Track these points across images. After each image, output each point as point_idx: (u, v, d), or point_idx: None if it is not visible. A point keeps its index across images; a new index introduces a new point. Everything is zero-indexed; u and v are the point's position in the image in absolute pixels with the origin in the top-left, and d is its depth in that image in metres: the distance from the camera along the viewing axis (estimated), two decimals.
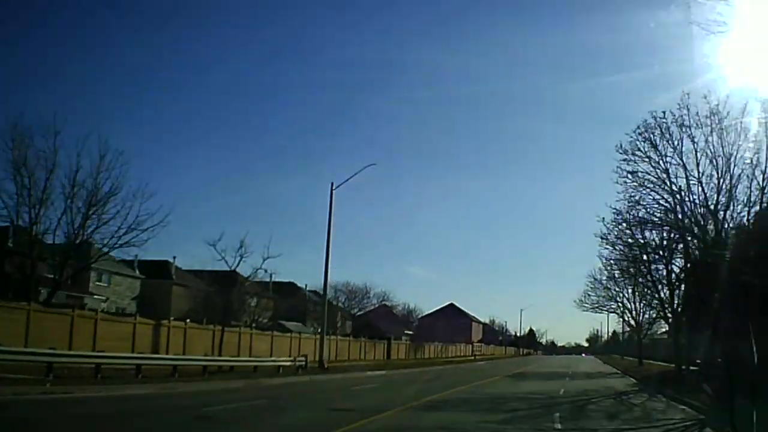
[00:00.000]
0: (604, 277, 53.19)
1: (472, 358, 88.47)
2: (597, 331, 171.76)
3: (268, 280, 76.17)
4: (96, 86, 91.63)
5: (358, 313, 74.76)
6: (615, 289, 52.90)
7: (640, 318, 52.13)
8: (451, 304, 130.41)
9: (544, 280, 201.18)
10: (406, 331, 76.54)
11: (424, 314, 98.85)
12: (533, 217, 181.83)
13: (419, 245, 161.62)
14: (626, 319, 53.10)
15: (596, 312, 56.46)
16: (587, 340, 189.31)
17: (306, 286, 74.32)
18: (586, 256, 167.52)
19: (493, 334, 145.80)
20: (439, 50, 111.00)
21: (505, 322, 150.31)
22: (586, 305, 54.84)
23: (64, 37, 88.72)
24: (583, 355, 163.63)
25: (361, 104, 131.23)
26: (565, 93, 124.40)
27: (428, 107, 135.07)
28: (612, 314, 55.00)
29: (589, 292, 54.21)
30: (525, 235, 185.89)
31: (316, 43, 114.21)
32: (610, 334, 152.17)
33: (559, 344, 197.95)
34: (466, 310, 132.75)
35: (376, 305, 69.69)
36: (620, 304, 53.26)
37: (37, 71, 79.97)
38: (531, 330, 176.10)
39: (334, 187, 41.91)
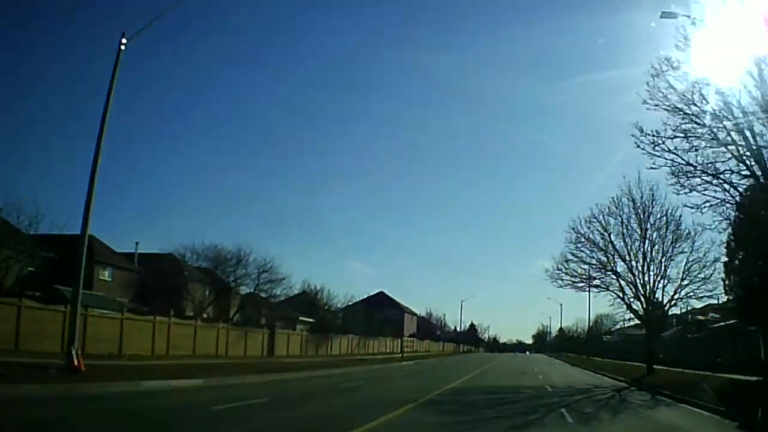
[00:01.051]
0: (597, 233, 33.52)
1: (399, 355, 67.98)
2: (545, 327, 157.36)
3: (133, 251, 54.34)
4: None
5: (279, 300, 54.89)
6: (610, 252, 33.22)
7: (652, 295, 32.64)
8: (381, 293, 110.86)
9: (488, 275, 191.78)
10: (302, 318, 54.95)
11: (348, 303, 78.49)
12: (479, 213, 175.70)
13: (358, 238, 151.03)
14: (627, 299, 33.45)
15: (578, 290, 36.66)
16: (534, 337, 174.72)
17: (185, 256, 52.31)
18: (534, 250, 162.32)
19: (430, 328, 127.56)
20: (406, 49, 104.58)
21: (444, 315, 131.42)
22: (565, 278, 34.90)
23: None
24: (528, 353, 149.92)
25: (328, 102, 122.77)
26: (515, 91, 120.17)
27: (395, 106, 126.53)
28: (603, 292, 35.16)
29: (570, 256, 34.23)
30: (471, 230, 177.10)
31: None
32: (558, 329, 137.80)
33: (502, 341, 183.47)
34: (398, 300, 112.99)
35: (256, 276, 48.04)
36: (617, 276, 33.48)
37: None
38: (472, 325, 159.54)
39: (124, 40, 20.70)
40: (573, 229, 33.68)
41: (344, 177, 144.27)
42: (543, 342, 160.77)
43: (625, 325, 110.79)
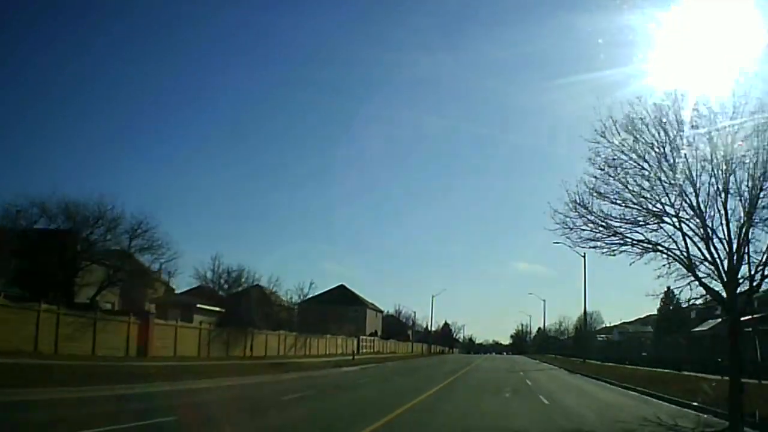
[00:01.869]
0: (644, 146, 19.33)
1: (350, 358, 53.72)
2: (525, 326, 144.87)
3: None
4: None
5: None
6: (670, 181, 19.10)
7: (738, 260, 18.64)
8: (342, 287, 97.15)
9: (465, 275, 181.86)
10: (200, 305, 40.23)
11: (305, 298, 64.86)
12: (458, 213, 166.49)
13: (331, 234, 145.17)
14: (694, 264, 19.53)
15: (606, 250, 21.99)
16: (512, 337, 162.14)
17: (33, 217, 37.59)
18: (512, 252, 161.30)
19: (400, 327, 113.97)
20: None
21: (414, 312, 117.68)
22: (585, 229, 20.55)
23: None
24: (505, 354, 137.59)
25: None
26: (500, 92, 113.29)
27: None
28: (648, 256, 21.15)
29: (594, 188, 19.87)
30: (449, 230, 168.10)
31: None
32: (542, 327, 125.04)
33: (478, 341, 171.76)
34: (361, 295, 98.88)
35: (126, 243, 33.54)
36: (679, 224, 19.40)
37: None
38: (446, 324, 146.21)
39: None
40: (602, 135, 19.22)
41: (322, 175, 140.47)
42: (522, 342, 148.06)
43: (622, 321, 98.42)
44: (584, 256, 55.65)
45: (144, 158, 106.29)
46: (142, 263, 54.78)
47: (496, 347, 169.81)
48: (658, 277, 20.25)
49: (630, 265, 20.92)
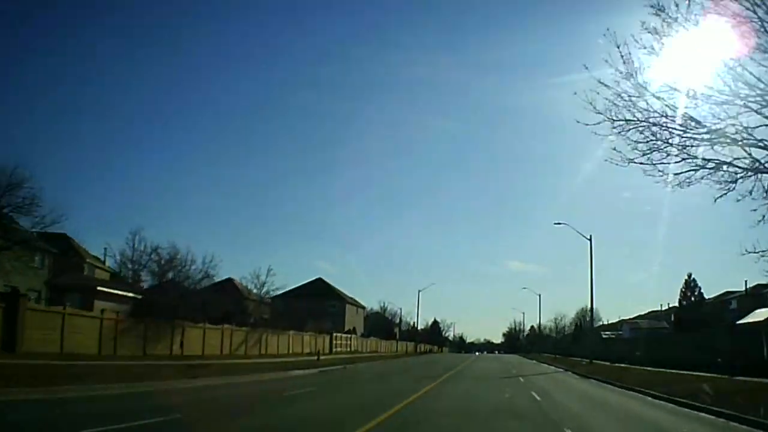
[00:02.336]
0: None
1: (315, 358, 45.22)
2: (518, 324, 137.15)
3: None
4: None
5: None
6: None
7: None
8: (319, 280, 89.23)
9: (457, 274, 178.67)
10: (102, 288, 31.46)
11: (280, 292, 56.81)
12: (450, 212, 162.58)
13: (323, 234, 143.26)
14: None
15: (666, 173, 13.49)
16: (504, 335, 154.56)
17: None
18: (504, 251, 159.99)
19: (385, 324, 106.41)
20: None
21: (400, 309, 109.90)
22: (638, 119, 12.16)
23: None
24: (497, 353, 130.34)
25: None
26: (494, 92, 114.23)
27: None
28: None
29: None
30: (442, 229, 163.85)
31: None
32: (535, 326, 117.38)
33: (469, 340, 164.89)
34: (340, 290, 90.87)
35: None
36: None
37: None
38: (435, 322, 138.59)
39: None
40: None
41: (316, 174, 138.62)
42: (515, 341, 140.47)
43: (621, 318, 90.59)
44: (590, 239, 47.51)
45: (132, 162, 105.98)
46: (74, 240, 45.86)
47: (487, 346, 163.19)
48: (762, 219, 11.94)
49: (715, 201, 12.63)
